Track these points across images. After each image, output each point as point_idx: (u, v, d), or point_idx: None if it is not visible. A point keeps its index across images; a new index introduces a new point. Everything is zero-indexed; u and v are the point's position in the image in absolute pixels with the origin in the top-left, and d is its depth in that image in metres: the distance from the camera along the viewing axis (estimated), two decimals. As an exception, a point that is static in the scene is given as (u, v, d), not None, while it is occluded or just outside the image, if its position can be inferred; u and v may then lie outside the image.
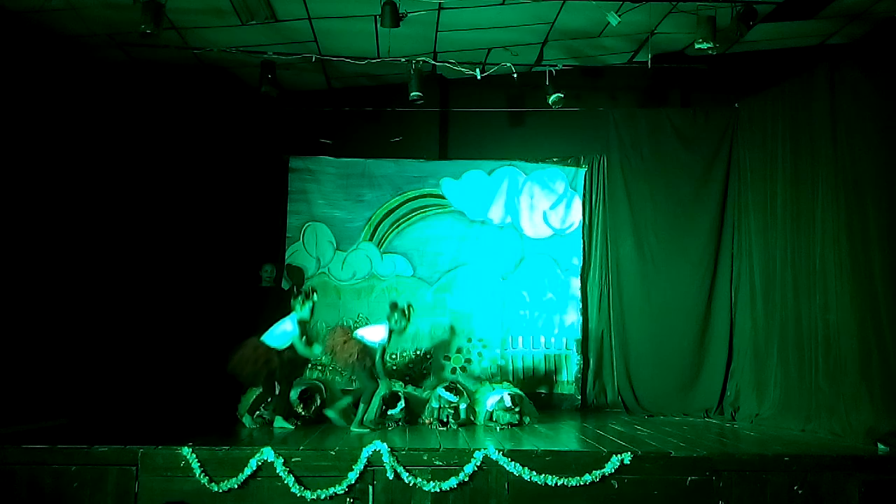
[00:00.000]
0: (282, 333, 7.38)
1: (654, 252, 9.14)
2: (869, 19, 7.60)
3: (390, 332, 7.48)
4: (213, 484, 5.64)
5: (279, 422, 7.33)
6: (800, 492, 5.70)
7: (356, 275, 9.47)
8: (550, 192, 9.65)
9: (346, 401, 7.74)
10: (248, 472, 5.66)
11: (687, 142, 9.18)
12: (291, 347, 7.39)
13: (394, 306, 7.58)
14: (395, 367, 9.11)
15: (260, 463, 5.68)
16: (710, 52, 7.33)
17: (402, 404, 7.73)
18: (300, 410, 7.65)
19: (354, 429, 7.13)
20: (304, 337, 7.44)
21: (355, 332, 7.61)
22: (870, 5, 7.33)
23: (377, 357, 7.39)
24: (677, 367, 8.95)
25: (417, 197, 9.59)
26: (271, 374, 7.37)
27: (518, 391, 8.05)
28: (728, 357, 8.88)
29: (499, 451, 5.75)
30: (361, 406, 7.29)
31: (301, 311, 7.44)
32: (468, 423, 7.64)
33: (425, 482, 5.68)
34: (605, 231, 9.39)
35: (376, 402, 7.55)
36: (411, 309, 7.66)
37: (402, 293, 9.39)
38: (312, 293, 7.58)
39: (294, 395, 7.78)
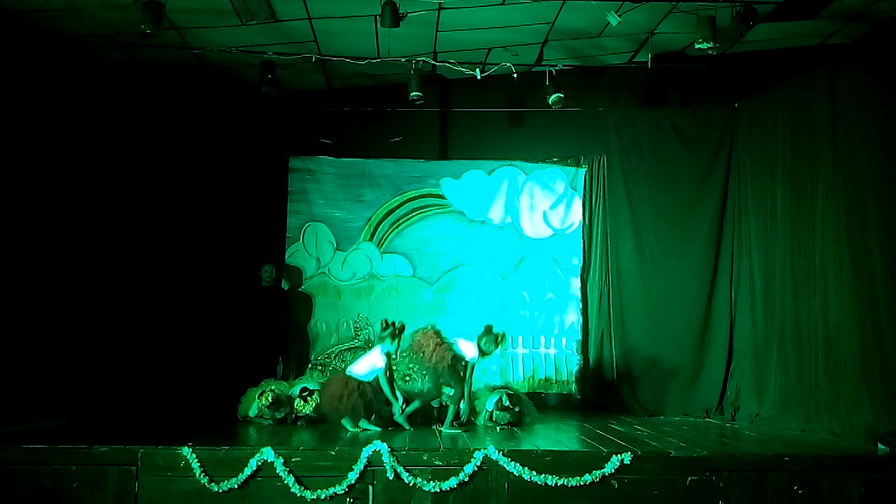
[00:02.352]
0: (370, 369, 7.23)
1: (654, 252, 9.13)
2: (869, 19, 7.60)
3: (480, 352, 7.31)
4: (213, 484, 5.62)
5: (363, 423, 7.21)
6: (800, 492, 5.69)
7: (356, 275, 9.47)
8: (550, 192, 9.65)
9: (414, 405, 7.51)
10: (248, 472, 5.64)
11: (687, 142, 9.18)
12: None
13: (488, 329, 7.37)
14: (395, 368, 9.12)
15: (260, 463, 5.66)
16: (710, 52, 7.33)
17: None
18: (299, 407, 7.63)
19: (446, 430, 7.10)
20: (389, 372, 7.33)
21: (447, 338, 7.35)
22: (870, 5, 7.33)
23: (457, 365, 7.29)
24: (677, 367, 8.94)
25: (417, 197, 9.60)
26: (368, 405, 7.17)
27: (517, 390, 8.05)
28: (728, 357, 8.88)
29: (499, 451, 5.74)
30: (451, 408, 7.25)
31: (391, 345, 7.30)
32: (468, 424, 7.63)
33: (425, 482, 5.67)
34: (605, 231, 9.38)
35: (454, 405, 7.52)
36: (504, 338, 7.36)
37: (402, 293, 9.42)
38: (403, 330, 7.37)
39: (295, 391, 7.78)
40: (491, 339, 7.28)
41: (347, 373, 7.30)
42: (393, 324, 7.32)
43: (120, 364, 8.29)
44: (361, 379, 7.19)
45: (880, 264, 6.75)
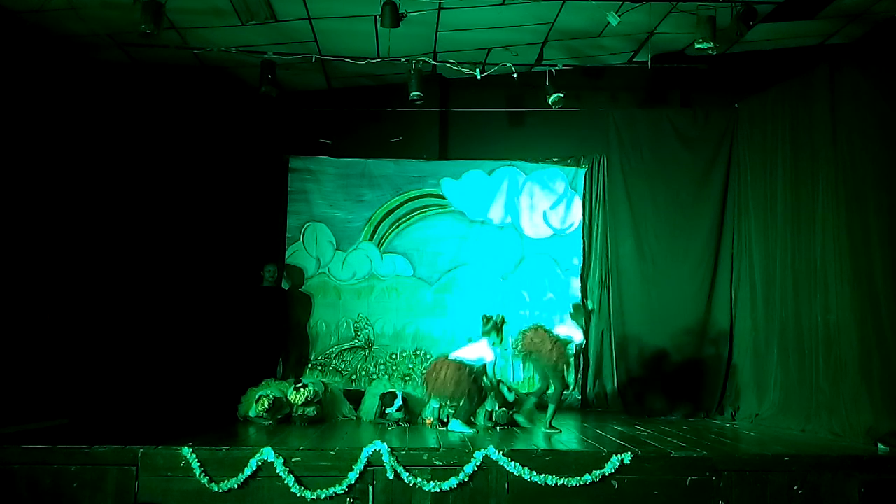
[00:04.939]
0: (477, 358, 7.22)
1: (654, 252, 9.13)
2: (869, 19, 7.60)
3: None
4: (213, 484, 5.62)
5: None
6: (800, 492, 5.69)
7: (356, 275, 9.47)
8: (550, 192, 9.65)
9: (531, 402, 7.63)
10: (248, 472, 5.64)
11: (687, 142, 9.18)
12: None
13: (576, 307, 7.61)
14: (395, 368, 9.15)
15: (260, 463, 5.66)
16: (710, 52, 7.33)
17: (399, 402, 7.71)
18: (293, 397, 7.59)
19: (545, 430, 7.18)
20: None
21: (552, 332, 7.38)
22: (870, 5, 7.33)
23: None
24: (677, 367, 8.93)
25: (417, 197, 9.60)
26: (480, 389, 7.22)
27: (516, 389, 8.07)
28: (728, 357, 8.87)
29: (499, 451, 5.74)
30: (552, 407, 7.30)
31: (496, 337, 7.28)
32: (468, 423, 7.62)
33: (425, 482, 5.67)
34: (605, 231, 9.39)
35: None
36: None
37: (402, 293, 9.42)
38: (504, 322, 7.39)
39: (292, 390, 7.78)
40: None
41: (456, 358, 7.22)
42: (493, 318, 7.34)
43: (120, 364, 8.28)
44: (472, 364, 7.18)
45: (881, 264, 6.75)
